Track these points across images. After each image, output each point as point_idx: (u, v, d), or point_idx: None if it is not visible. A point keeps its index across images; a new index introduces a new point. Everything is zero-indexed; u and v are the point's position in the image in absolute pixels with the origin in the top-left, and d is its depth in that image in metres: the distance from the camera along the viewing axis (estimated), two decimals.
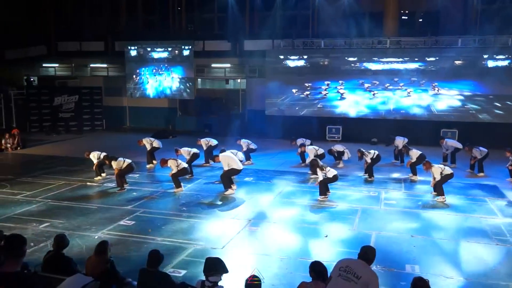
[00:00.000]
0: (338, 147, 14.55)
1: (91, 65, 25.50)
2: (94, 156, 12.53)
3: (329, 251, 7.57)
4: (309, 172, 13.16)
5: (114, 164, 11.63)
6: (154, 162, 14.26)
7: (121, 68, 23.94)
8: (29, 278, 3.38)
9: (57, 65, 25.92)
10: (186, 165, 11.77)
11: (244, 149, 14.52)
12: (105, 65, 25.21)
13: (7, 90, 20.78)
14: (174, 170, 11.31)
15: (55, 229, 8.39)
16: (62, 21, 26.00)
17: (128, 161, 11.65)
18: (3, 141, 17.23)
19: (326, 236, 8.27)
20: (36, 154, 16.48)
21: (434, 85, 18.84)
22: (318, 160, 12.28)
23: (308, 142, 14.65)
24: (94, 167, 12.57)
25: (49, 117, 22.70)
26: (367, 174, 12.89)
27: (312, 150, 13.66)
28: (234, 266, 6.37)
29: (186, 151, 13.17)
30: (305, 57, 20.42)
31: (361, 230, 8.69)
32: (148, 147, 14.47)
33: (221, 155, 11.68)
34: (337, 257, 7.18)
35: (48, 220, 9.03)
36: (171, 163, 11.36)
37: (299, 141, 14.69)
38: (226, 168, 11.18)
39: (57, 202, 10.34)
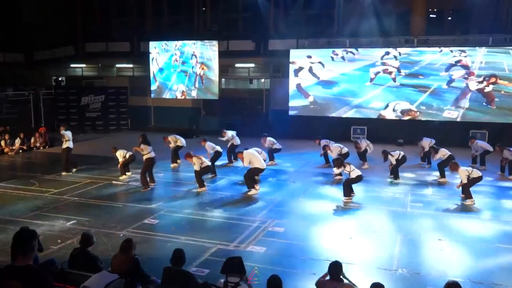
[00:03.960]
0: (363, 143, 14.35)
1: (117, 66, 25.93)
2: (120, 155, 12.69)
3: (353, 253, 7.44)
4: (333, 173, 13.00)
5: (143, 147, 11.66)
6: (179, 161, 14.37)
7: (146, 68, 24.19)
8: (40, 272, 3.38)
9: (84, 65, 26.46)
10: (209, 163, 11.82)
11: (267, 144, 14.48)
12: (130, 65, 25.59)
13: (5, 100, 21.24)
14: (197, 168, 11.35)
15: (81, 226, 8.53)
16: (90, 22, 26.53)
17: (152, 154, 11.74)
18: (32, 140, 17.71)
19: (351, 238, 8.15)
20: None
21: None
22: (342, 159, 12.12)
23: (332, 143, 14.47)
24: (119, 166, 12.76)
25: (77, 117, 23.18)
26: (392, 176, 12.67)
27: (336, 148, 13.54)
28: (257, 266, 6.35)
29: (210, 146, 13.36)
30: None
31: (387, 232, 8.53)
32: (173, 144, 14.59)
33: (245, 152, 11.56)
34: (361, 259, 7.10)
35: (74, 217, 9.18)
36: (195, 160, 11.38)
37: (323, 142, 14.51)
38: (246, 165, 11.19)
39: (83, 200, 10.53)
